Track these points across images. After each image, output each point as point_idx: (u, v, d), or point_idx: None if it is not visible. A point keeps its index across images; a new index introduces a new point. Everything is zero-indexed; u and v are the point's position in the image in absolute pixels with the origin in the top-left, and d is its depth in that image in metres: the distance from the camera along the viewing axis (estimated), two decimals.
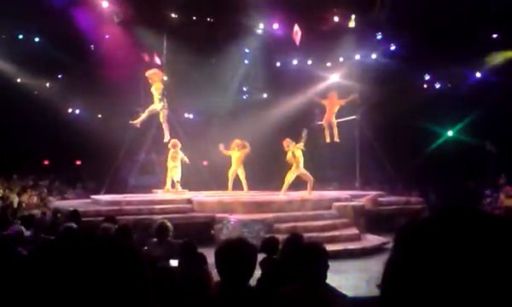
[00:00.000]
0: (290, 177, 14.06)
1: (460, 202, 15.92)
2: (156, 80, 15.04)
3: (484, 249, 0.65)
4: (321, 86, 19.37)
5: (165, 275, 3.77)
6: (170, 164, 15.22)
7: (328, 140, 16.74)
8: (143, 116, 15.21)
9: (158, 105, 15.08)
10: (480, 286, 0.63)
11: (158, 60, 17.04)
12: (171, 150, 15.20)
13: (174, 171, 15.14)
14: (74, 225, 7.09)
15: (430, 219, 0.74)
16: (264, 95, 23.65)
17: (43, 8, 15.62)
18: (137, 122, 15.19)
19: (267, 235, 7.30)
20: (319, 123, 17.15)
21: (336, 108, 16.67)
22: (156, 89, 15.03)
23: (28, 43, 18.15)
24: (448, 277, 0.65)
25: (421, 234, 0.71)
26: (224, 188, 15.85)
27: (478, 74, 19.66)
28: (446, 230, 0.69)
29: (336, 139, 16.51)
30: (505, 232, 0.67)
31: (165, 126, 15.26)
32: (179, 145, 15.30)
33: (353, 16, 17.98)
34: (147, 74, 15.16)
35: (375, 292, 0.78)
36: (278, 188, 14.63)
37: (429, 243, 0.68)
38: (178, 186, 15.22)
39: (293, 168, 14.04)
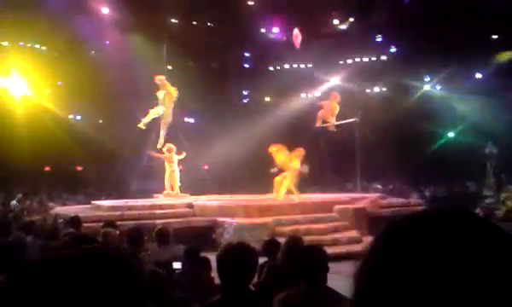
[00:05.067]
0: (287, 183, 13.98)
1: (459, 203, 15.92)
2: (165, 86, 15.09)
3: (467, 252, 0.64)
4: (321, 89, 19.39)
5: (153, 279, 3.77)
6: (167, 168, 15.33)
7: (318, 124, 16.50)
8: (148, 117, 15.27)
9: (160, 109, 15.14)
10: (461, 290, 0.62)
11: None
12: (167, 155, 15.28)
13: (172, 176, 15.23)
14: (74, 231, 7.09)
15: (412, 220, 0.72)
16: (265, 99, 23.69)
17: (44, 14, 15.68)
18: (143, 124, 15.28)
19: (268, 238, 7.29)
20: (319, 126, 17.13)
21: (335, 110, 16.63)
22: (163, 95, 15.08)
23: (29, 50, 18.19)
24: (426, 279, 0.63)
25: (401, 235, 0.70)
26: (224, 191, 15.88)
27: (478, 75, 19.67)
28: (428, 231, 0.67)
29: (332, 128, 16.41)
30: (490, 235, 0.66)
31: (162, 133, 15.31)
32: (174, 149, 15.36)
33: (352, 19, 18.03)
34: (157, 79, 15.17)
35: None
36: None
37: (409, 244, 0.67)
38: (178, 190, 15.26)
39: (288, 175, 13.96)
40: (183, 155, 15.45)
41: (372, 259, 0.71)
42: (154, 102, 15.36)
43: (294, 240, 4.93)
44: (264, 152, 19.79)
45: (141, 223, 10.85)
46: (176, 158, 15.34)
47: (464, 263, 0.63)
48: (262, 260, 4.93)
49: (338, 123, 16.81)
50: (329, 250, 3.41)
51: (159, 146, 15.34)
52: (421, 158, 19.63)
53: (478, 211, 15.77)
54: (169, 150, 15.23)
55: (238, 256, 2.73)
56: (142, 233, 6.03)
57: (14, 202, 16.65)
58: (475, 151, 18.62)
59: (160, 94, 15.14)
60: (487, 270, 0.63)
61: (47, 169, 21.26)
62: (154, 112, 15.25)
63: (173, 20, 17.76)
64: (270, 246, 5.35)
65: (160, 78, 15.15)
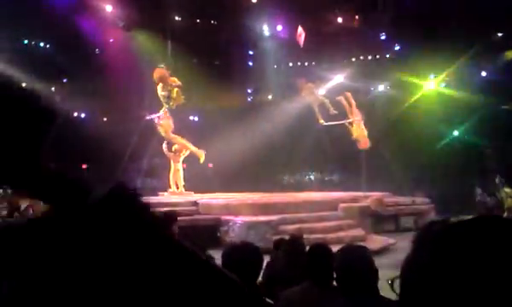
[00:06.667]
0: None
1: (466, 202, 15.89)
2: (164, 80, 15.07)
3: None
4: (326, 86, 19.35)
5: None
6: (172, 166, 15.38)
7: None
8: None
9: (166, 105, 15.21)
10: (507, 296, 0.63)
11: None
12: (172, 153, 15.35)
13: (176, 174, 15.29)
14: None
15: (462, 224, 0.73)
16: (269, 97, 23.68)
17: (47, 13, 15.72)
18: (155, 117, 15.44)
19: (275, 237, 7.31)
20: (325, 123, 17.11)
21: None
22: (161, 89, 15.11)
23: (33, 48, 18.25)
24: (475, 284, 0.65)
25: (450, 238, 0.70)
26: (229, 189, 15.94)
27: (484, 73, 19.59)
28: (478, 237, 0.68)
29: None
30: None
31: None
32: (183, 150, 15.43)
33: (357, 17, 18.00)
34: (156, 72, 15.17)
35: (382, 291, 0.79)
36: (283, 189, 14.64)
37: (459, 248, 0.68)
38: (182, 188, 15.32)
39: None
40: (203, 153, 15.48)
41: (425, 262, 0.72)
42: (158, 102, 15.38)
43: (295, 240, 4.93)
44: (268, 149, 19.86)
45: None
46: (182, 157, 15.41)
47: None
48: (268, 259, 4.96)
49: (328, 123, 16.81)
50: (334, 248, 3.41)
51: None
52: (426, 156, 19.57)
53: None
54: (178, 150, 15.31)
55: (243, 255, 2.75)
56: (175, 218, 6.05)
57: (20, 200, 16.72)
58: (479, 149, 18.58)
59: (163, 88, 15.09)
60: None
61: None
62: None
63: (177, 18, 17.77)
64: (280, 244, 5.37)
65: (161, 69, 15.09)
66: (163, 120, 15.05)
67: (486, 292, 0.64)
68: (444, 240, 0.71)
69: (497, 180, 15.66)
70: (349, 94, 16.52)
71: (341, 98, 16.43)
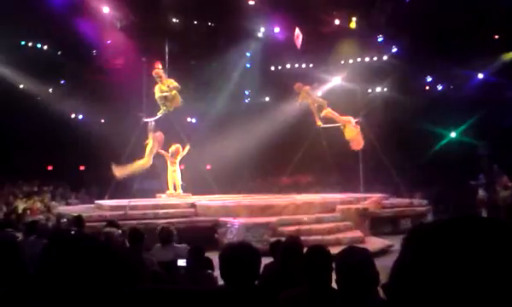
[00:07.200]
0: None
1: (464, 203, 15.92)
2: (162, 79, 15.07)
3: (498, 258, 0.66)
4: (323, 89, 19.35)
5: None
6: (169, 168, 15.39)
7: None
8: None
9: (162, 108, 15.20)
10: (491, 294, 0.64)
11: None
12: (169, 155, 15.36)
13: (173, 176, 15.31)
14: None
15: (445, 224, 0.74)
16: (266, 99, 23.68)
17: (45, 14, 15.69)
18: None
19: (272, 239, 7.30)
20: (322, 125, 17.11)
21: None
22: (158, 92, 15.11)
23: (31, 49, 18.22)
24: (458, 283, 0.66)
25: (434, 239, 0.72)
26: (227, 191, 15.94)
27: (480, 75, 19.63)
28: (461, 237, 0.70)
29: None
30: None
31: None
32: (180, 150, 15.42)
33: (354, 18, 18.01)
34: (154, 72, 15.18)
35: (380, 293, 0.80)
36: (281, 191, 14.63)
37: (443, 248, 0.69)
38: (180, 190, 15.30)
39: None
40: (187, 148, 15.45)
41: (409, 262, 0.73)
42: (155, 103, 15.37)
43: (293, 241, 4.92)
44: (266, 152, 19.84)
45: (143, 223, 10.91)
46: (179, 158, 15.40)
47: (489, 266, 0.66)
48: (268, 261, 4.96)
49: (325, 125, 16.85)
50: (332, 250, 3.41)
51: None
52: (423, 158, 19.61)
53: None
54: (176, 152, 15.31)
55: (240, 256, 2.74)
56: (142, 233, 6.06)
57: (17, 202, 16.70)
58: (474, 151, 18.60)
59: (160, 90, 15.08)
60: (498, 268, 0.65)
61: (49, 168, 21.29)
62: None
63: (174, 20, 17.75)
64: (277, 247, 5.36)
65: (157, 71, 15.08)
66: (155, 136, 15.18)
67: (465, 291, 0.65)
68: (424, 243, 0.73)
69: (495, 167, 15.77)
70: (328, 109, 16.61)
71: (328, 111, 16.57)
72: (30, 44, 18.21)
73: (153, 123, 15.41)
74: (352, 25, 18.06)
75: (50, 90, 20.24)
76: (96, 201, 14.64)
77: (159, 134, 15.38)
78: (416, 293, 0.69)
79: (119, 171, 14.77)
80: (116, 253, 1.21)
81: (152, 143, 15.21)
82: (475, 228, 0.70)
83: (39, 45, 18.47)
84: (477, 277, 0.65)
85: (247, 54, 20.95)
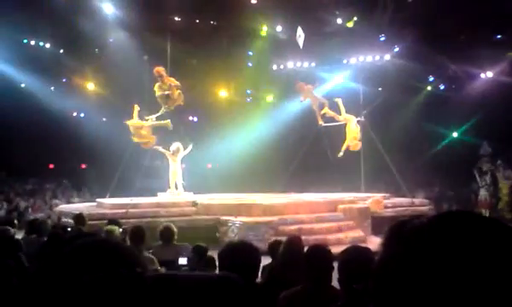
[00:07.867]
0: None
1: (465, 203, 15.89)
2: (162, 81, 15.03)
3: (482, 254, 0.65)
4: (325, 88, 19.33)
5: None
6: (170, 166, 15.38)
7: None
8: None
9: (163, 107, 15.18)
10: (474, 290, 0.63)
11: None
12: (170, 153, 15.37)
13: (174, 174, 15.32)
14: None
15: (428, 221, 0.74)
16: (268, 98, 23.66)
17: (48, 12, 15.70)
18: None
19: (272, 238, 7.28)
20: (324, 124, 17.09)
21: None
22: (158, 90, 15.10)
23: (33, 47, 18.23)
24: (441, 278, 0.65)
25: (416, 236, 0.71)
26: (228, 190, 15.93)
27: (483, 75, 19.58)
28: (443, 233, 0.69)
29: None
30: (501, 237, 0.68)
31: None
32: (181, 149, 15.41)
33: (355, 18, 17.97)
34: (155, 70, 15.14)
35: None
36: (282, 190, 14.61)
37: (424, 244, 0.69)
38: (181, 189, 15.30)
39: None
40: (190, 147, 15.43)
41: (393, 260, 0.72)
42: (156, 102, 15.34)
43: (293, 241, 4.91)
44: (268, 150, 19.84)
45: (145, 222, 10.92)
46: (180, 156, 15.37)
47: (477, 264, 0.65)
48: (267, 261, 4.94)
49: (327, 124, 16.84)
50: (334, 249, 3.40)
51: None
52: (425, 158, 19.57)
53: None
54: (177, 151, 15.29)
55: (240, 254, 2.73)
56: (143, 231, 6.05)
57: (19, 200, 16.72)
58: (476, 151, 18.56)
59: (161, 89, 15.04)
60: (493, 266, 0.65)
61: (51, 167, 21.32)
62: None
63: (176, 19, 17.74)
64: (275, 247, 5.33)
65: (159, 69, 15.03)
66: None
67: (445, 289, 0.65)
68: (408, 239, 0.72)
69: (498, 162, 15.78)
70: (339, 100, 16.53)
71: (338, 100, 16.47)
72: (32, 42, 18.20)
73: (154, 119, 15.41)
74: (353, 24, 18.03)
75: (52, 88, 20.25)
76: (98, 199, 14.65)
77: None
78: (398, 290, 0.68)
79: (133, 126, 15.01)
80: (118, 247, 1.17)
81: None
82: (459, 225, 0.70)
83: (42, 43, 18.46)
84: (459, 272, 0.65)
85: (250, 53, 20.95)
